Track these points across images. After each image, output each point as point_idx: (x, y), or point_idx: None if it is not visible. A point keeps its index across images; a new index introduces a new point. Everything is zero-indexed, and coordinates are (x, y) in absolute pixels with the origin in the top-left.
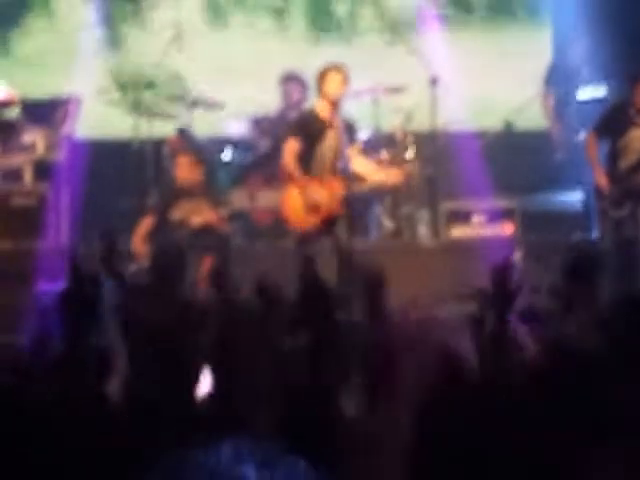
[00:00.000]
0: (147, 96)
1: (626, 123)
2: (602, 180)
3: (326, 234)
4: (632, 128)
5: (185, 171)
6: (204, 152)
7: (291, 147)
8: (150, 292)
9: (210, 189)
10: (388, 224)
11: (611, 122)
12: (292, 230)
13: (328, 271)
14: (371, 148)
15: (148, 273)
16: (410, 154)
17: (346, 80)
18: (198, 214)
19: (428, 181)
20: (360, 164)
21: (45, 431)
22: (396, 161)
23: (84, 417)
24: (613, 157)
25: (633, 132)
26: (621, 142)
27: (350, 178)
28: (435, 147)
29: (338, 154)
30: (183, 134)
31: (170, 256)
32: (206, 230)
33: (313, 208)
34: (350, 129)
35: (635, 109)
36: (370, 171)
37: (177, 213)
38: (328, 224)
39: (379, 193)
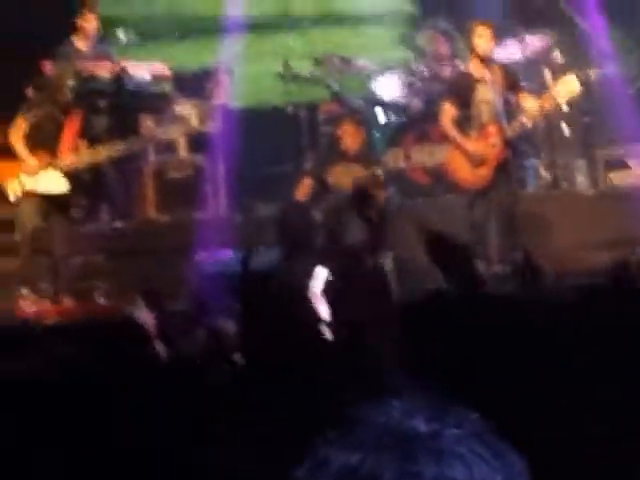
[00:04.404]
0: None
1: None
2: None
3: (493, 186)
4: None
5: (350, 136)
6: (360, 114)
7: (447, 111)
8: None
9: (366, 151)
10: (545, 175)
11: None
12: (457, 186)
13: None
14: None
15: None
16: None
17: (495, 34)
18: (353, 178)
19: (584, 129)
20: (529, 102)
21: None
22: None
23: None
24: None
25: None
26: None
27: (507, 124)
28: (588, 95)
29: (494, 105)
30: (338, 98)
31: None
32: (359, 194)
33: (479, 162)
34: (511, 75)
35: None
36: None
37: (331, 177)
38: (497, 173)
39: (537, 135)
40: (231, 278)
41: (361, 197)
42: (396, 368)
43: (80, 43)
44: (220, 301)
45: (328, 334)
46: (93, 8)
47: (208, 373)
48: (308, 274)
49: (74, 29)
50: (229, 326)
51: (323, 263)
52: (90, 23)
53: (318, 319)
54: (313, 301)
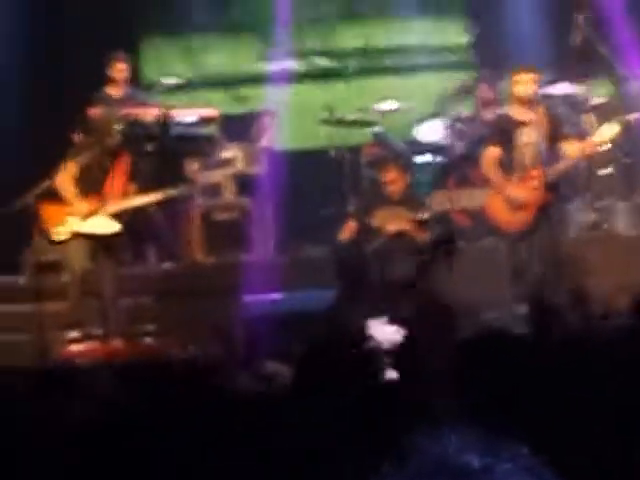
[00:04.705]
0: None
1: None
2: None
3: (534, 230)
4: None
5: (394, 181)
6: (404, 157)
7: (490, 155)
8: None
9: (410, 195)
10: (587, 217)
11: None
12: (496, 230)
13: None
14: None
15: None
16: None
17: (536, 79)
18: (395, 222)
19: (625, 171)
20: (571, 146)
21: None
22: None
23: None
24: None
25: None
26: None
27: (549, 167)
28: (630, 137)
29: (537, 149)
30: (381, 141)
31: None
32: (401, 238)
33: (519, 206)
34: (554, 119)
35: None
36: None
37: (376, 220)
38: (538, 216)
39: (578, 177)
40: (279, 320)
41: (407, 240)
42: (450, 402)
43: (113, 90)
44: (269, 343)
45: (387, 373)
46: (123, 58)
47: (258, 416)
48: (367, 314)
49: (108, 78)
50: (279, 369)
51: (379, 304)
52: (121, 72)
53: (379, 359)
54: (373, 340)
